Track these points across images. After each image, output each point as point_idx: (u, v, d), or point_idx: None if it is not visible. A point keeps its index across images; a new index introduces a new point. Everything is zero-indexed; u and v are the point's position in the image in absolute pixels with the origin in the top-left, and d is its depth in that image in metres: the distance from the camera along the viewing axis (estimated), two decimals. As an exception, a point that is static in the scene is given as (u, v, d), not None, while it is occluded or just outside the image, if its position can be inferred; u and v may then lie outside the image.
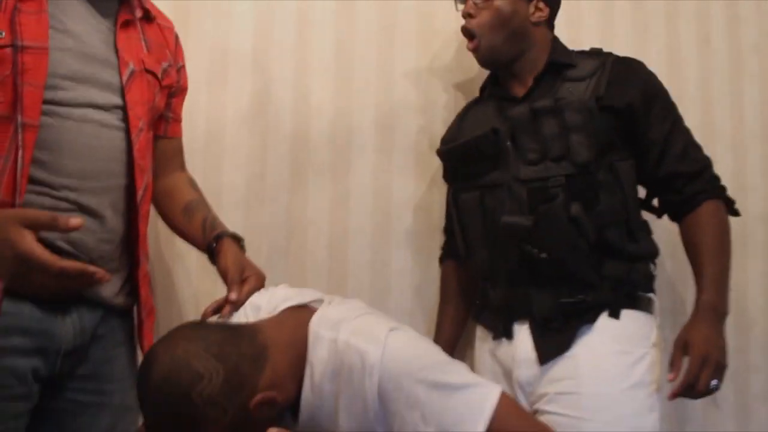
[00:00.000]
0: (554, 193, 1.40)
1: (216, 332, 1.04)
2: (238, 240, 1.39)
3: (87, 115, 1.22)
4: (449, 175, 1.65)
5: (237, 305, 1.23)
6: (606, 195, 1.42)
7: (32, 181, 1.15)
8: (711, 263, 1.42)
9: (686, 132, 1.52)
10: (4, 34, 1.13)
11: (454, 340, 1.70)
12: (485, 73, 1.69)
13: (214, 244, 1.36)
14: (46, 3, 1.18)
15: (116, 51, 1.29)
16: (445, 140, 1.67)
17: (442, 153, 1.64)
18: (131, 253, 1.34)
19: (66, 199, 1.19)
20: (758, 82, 1.94)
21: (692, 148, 1.50)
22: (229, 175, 1.76)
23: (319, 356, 1.07)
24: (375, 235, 1.80)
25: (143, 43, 1.37)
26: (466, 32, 1.58)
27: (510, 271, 1.47)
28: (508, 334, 1.48)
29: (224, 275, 1.31)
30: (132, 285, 1.35)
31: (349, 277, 1.77)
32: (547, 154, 1.44)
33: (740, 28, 1.96)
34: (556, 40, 1.61)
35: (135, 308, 1.37)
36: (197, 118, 1.75)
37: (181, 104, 1.52)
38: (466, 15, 1.57)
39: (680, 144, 1.48)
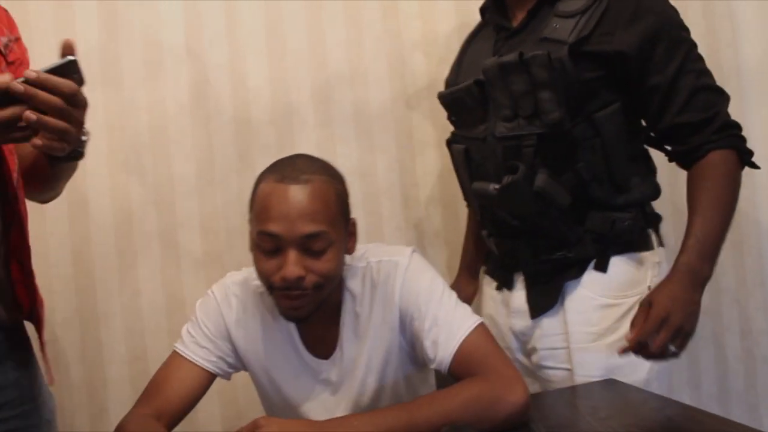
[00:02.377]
0: (526, 153, 1.35)
1: None
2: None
3: None
4: (450, 119, 1.61)
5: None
6: (585, 152, 1.34)
7: None
8: (702, 221, 1.29)
9: (697, 73, 1.32)
10: None
11: (473, 263, 1.75)
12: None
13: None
14: None
15: None
16: (447, 81, 1.61)
17: (440, 97, 1.59)
18: (6, 251, 1.16)
19: None
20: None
21: (702, 92, 1.32)
22: (178, 165, 1.80)
23: (355, 285, 1.25)
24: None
25: None
26: None
27: (497, 226, 1.48)
28: (508, 284, 1.51)
29: None
30: (8, 294, 1.16)
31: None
32: (519, 112, 1.36)
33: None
34: None
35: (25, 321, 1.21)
36: (139, 113, 1.78)
37: None
38: None
39: (686, 90, 1.31)
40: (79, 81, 0.97)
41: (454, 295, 1.23)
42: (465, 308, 1.22)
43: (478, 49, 1.54)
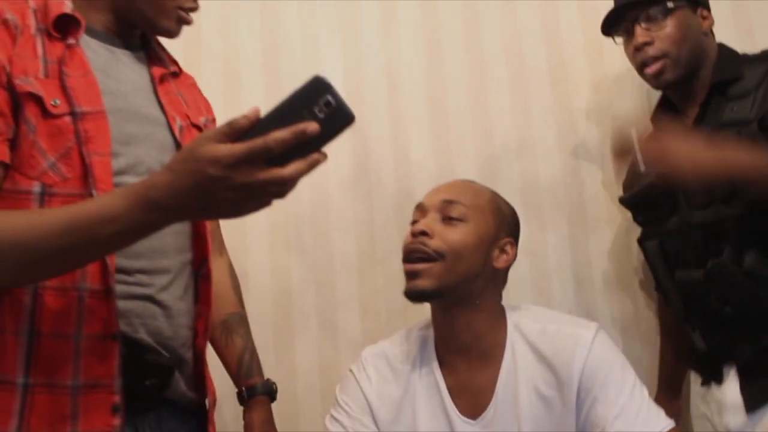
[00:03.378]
0: (730, 235, 1.29)
1: None
2: (270, 394, 1.36)
3: None
4: (636, 219, 1.60)
5: None
6: None
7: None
8: None
9: None
10: (59, 102, 0.99)
11: (675, 375, 1.62)
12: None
13: (246, 396, 1.34)
14: (88, 63, 1.05)
15: (161, 107, 1.15)
16: (624, 185, 1.62)
17: (622, 201, 1.59)
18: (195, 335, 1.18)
19: (139, 284, 1.05)
20: None
21: None
22: (339, 241, 1.76)
23: (522, 344, 1.20)
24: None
25: (180, 97, 1.23)
26: (645, 61, 1.45)
27: (704, 317, 1.39)
28: (716, 378, 1.40)
29: None
30: (198, 373, 1.18)
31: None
32: (714, 196, 1.33)
33: None
34: (722, 48, 1.48)
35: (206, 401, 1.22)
36: (301, 188, 1.74)
37: None
38: (641, 45, 1.44)
39: None
40: None
41: (646, 390, 1.15)
42: (659, 409, 1.14)
43: None
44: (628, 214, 1.77)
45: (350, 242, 1.75)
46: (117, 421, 0.98)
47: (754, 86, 1.33)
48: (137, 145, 1.08)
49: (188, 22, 1.18)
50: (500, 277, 1.26)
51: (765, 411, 1.29)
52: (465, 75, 1.83)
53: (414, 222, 1.24)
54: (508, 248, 1.24)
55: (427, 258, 1.16)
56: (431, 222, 1.19)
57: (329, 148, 1.81)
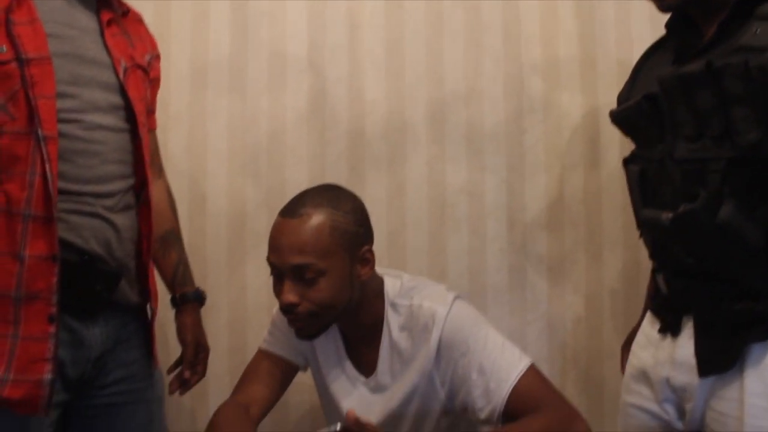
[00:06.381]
0: (711, 180, 1.13)
1: None
2: (199, 301, 1.55)
3: (95, 120, 1.22)
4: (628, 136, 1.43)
5: (189, 385, 1.49)
6: None
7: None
8: None
9: None
10: (5, 48, 1.11)
11: None
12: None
13: (179, 302, 1.52)
14: (35, 10, 1.15)
15: (107, 50, 1.27)
16: (618, 97, 1.43)
17: (611, 115, 1.41)
18: (139, 248, 1.35)
19: (87, 204, 1.20)
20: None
21: None
22: (292, 171, 1.88)
23: (396, 319, 1.29)
24: (431, 221, 1.90)
25: (126, 38, 1.35)
26: None
27: (667, 262, 1.28)
28: (674, 329, 1.28)
29: (182, 347, 1.51)
30: (141, 281, 1.36)
31: (408, 262, 1.88)
32: (704, 131, 1.15)
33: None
34: None
35: (148, 305, 1.40)
36: (260, 120, 1.88)
37: (156, 94, 1.51)
38: None
39: None
40: None
41: (499, 338, 1.24)
42: (513, 352, 1.23)
43: (656, 62, 1.36)
44: (565, 162, 1.90)
45: (302, 173, 1.88)
46: (52, 329, 1.15)
47: None
48: (83, 86, 1.21)
49: None
50: (370, 278, 1.30)
51: (718, 380, 1.19)
52: (423, 24, 1.92)
53: (275, 278, 1.25)
54: (368, 255, 1.26)
55: (298, 319, 1.22)
56: (292, 289, 1.19)
57: (290, 84, 1.96)
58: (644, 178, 1.31)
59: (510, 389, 1.15)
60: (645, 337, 1.38)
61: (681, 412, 1.29)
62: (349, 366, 1.33)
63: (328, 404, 1.37)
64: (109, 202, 1.24)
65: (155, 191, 1.45)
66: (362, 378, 1.32)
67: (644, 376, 1.34)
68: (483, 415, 1.18)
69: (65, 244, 1.16)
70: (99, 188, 1.23)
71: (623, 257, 1.91)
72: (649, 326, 1.38)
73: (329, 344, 1.35)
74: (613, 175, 1.88)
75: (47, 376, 1.14)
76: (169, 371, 1.52)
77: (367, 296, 1.28)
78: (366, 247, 1.26)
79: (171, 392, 1.49)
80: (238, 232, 1.88)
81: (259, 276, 1.87)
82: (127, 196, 1.30)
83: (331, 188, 1.29)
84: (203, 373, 1.52)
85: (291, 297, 1.19)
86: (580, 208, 1.92)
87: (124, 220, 1.28)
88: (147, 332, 1.40)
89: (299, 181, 1.87)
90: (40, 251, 1.13)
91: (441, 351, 1.23)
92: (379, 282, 1.32)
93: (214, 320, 1.85)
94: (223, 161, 1.88)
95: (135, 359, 1.36)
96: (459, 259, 1.90)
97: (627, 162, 1.40)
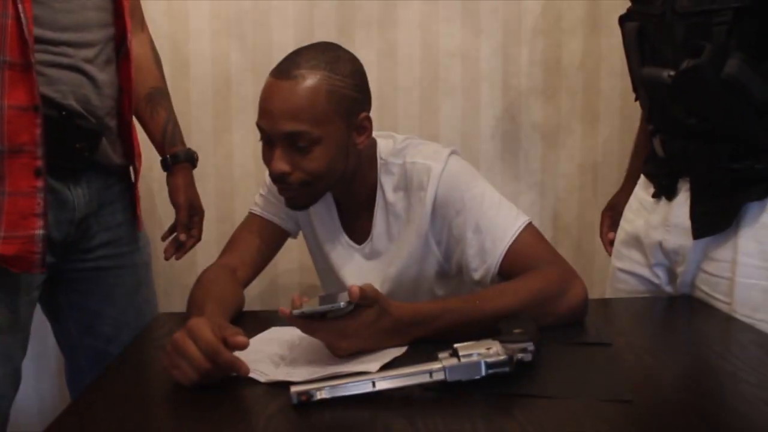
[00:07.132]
0: (717, 32, 1.09)
1: None
2: (191, 161, 1.46)
3: None
4: None
5: (185, 248, 1.45)
6: None
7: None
8: None
9: None
10: None
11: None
12: None
13: (170, 162, 1.43)
14: None
15: None
16: None
17: None
18: (120, 106, 1.30)
19: (65, 55, 1.15)
20: None
21: None
22: (277, 34, 1.80)
23: (389, 180, 1.23)
24: (423, 85, 1.84)
25: None
26: None
27: (666, 123, 1.25)
28: (669, 193, 1.28)
29: (176, 210, 1.44)
30: (124, 141, 1.33)
31: (399, 127, 1.83)
32: None
33: None
34: None
35: (131, 168, 1.38)
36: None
37: None
38: None
39: None
40: None
41: (496, 196, 1.19)
42: (510, 209, 1.17)
43: None
44: (564, 26, 1.82)
45: (288, 35, 1.80)
46: (40, 183, 1.11)
47: None
48: None
49: None
50: (366, 146, 1.22)
51: (711, 242, 1.20)
52: None
53: (264, 143, 1.15)
54: (366, 123, 1.17)
55: (290, 189, 1.15)
56: (284, 157, 1.11)
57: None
58: (642, 36, 1.26)
59: (506, 249, 1.12)
60: (638, 202, 1.37)
61: (671, 276, 1.31)
62: (343, 235, 1.30)
63: (326, 271, 1.35)
64: (89, 53, 1.18)
65: (137, 45, 1.37)
66: (356, 246, 1.29)
67: (636, 241, 1.35)
68: (477, 275, 1.15)
69: (43, 99, 1.11)
70: (77, 36, 1.16)
71: (620, 126, 1.87)
72: (643, 191, 1.36)
73: (324, 212, 1.31)
74: (613, 39, 1.80)
75: (39, 231, 1.11)
76: (163, 238, 1.48)
77: (362, 164, 1.22)
78: (364, 114, 1.16)
79: (167, 258, 1.44)
80: (223, 97, 1.82)
81: (246, 143, 1.83)
82: (107, 48, 1.23)
83: (330, 48, 1.16)
84: (199, 237, 1.48)
85: (282, 166, 1.10)
86: (578, 75, 1.86)
87: (104, 76, 1.22)
88: (132, 194, 1.37)
89: (285, 43, 1.79)
90: (19, 101, 1.08)
91: (436, 209, 1.18)
92: (373, 146, 1.26)
93: (201, 189, 1.76)
94: (206, 23, 1.79)
95: (120, 222, 1.34)
96: (451, 124, 1.85)
97: (623, 19, 1.33)
